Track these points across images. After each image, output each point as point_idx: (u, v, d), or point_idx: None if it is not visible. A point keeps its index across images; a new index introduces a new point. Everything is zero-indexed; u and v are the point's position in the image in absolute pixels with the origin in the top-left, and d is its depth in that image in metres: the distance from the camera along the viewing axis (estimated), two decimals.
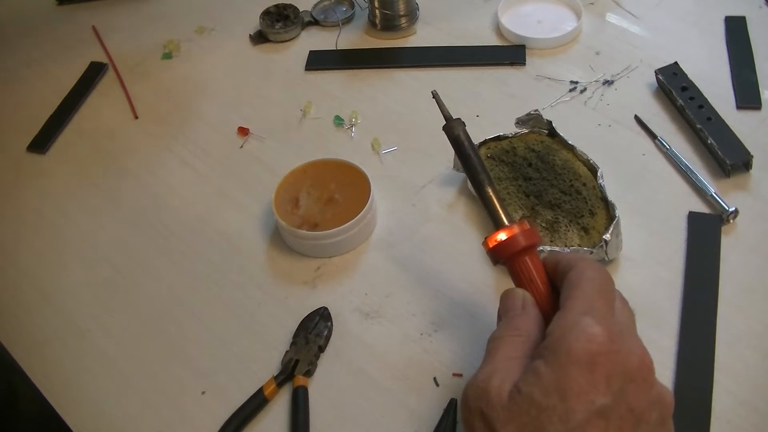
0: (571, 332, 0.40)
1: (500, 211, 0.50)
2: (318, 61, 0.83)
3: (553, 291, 0.47)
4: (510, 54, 0.80)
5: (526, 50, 0.80)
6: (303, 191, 0.65)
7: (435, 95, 0.53)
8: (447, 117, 0.52)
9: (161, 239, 0.67)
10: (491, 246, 0.49)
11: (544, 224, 0.60)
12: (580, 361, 0.39)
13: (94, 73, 0.85)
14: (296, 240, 0.64)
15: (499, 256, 0.49)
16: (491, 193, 0.50)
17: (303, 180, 0.66)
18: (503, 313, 0.46)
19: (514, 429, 0.39)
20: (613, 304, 0.44)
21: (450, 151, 0.66)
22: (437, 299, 0.60)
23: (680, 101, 0.70)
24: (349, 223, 0.62)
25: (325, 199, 0.65)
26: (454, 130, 0.51)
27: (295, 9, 0.87)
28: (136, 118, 0.79)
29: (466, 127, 0.52)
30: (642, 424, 0.40)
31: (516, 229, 0.48)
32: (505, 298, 0.47)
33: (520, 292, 0.47)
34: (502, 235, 0.48)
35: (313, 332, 0.58)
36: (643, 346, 0.43)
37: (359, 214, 0.62)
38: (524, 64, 0.79)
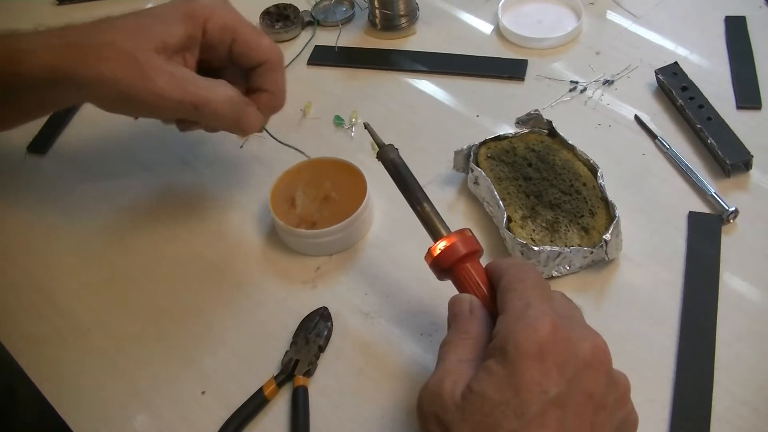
0: (516, 326, 0.41)
1: (437, 224, 0.52)
2: (321, 57, 0.83)
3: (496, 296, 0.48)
4: (511, 67, 0.78)
5: (526, 50, 0.80)
6: (299, 190, 0.65)
7: (367, 126, 0.57)
8: (380, 144, 0.55)
9: (161, 239, 0.67)
10: (434, 256, 0.50)
11: (544, 224, 0.60)
12: (529, 353, 0.39)
13: None
14: (294, 239, 0.64)
15: (442, 265, 0.50)
16: (428, 209, 0.52)
17: (298, 179, 0.66)
18: (452, 319, 0.47)
19: (469, 429, 0.39)
20: (551, 297, 0.45)
21: (450, 151, 0.67)
22: (437, 299, 0.60)
23: (680, 101, 0.70)
24: (347, 220, 0.62)
25: (322, 198, 0.65)
26: (388, 154, 0.54)
27: (295, 9, 0.87)
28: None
29: (399, 152, 0.55)
30: (601, 409, 0.40)
31: (455, 238, 0.50)
32: (453, 304, 0.48)
33: (467, 296, 0.48)
34: (442, 244, 0.50)
35: (313, 332, 0.58)
36: (595, 332, 0.43)
37: (357, 211, 0.62)
38: (523, 79, 0.77)
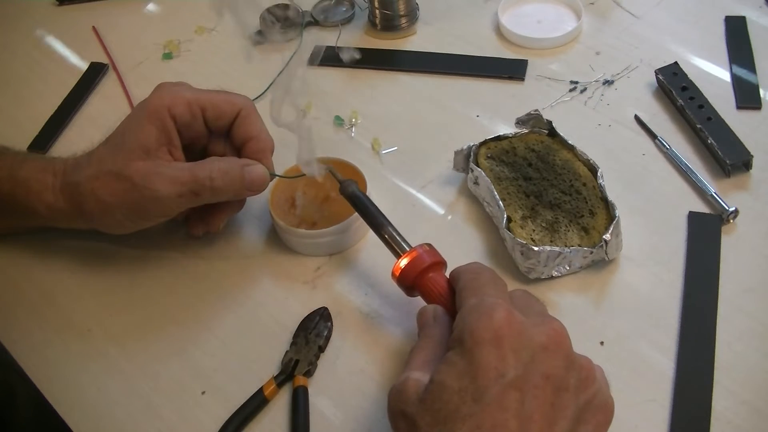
0: (471, 317, 0.42)
1: (400, 242, 0.55)
2: (321, 57, 0.83)
3: None
4: (511, 67, 0.78)
5: (526, 50, 0.80)
6: (298, 191, 0.66)
7: (329, 170, 0.60)
8: (341, 181, 0.59)
9: (161, 239, 0.67)
10: (398, 272, 0.54)
11: (544, 224, 0.60)
12: (485, 339, 0.41)
13: (94, 74, 0.85)
14: (295, 239, 0.64)
15: (406, 279, 0.53)
16: (391, 231, 0.56)
17: (297, 180, 0.66)
18: (420, 329, 0.49)
19: (430, 418, 0.40)
20: (505, 291, 0.47)
21: (450, 151, 0.67)
22: None
23: (680, 101, 0.70)
24: (347, 220, 0.62)
25: (322, 198, 0.65)
26: (348, 188, 0.58)
27: (296, 9, 0.87)
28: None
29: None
30: (562, 391, 0.41)
31: (415, 252, 0.54)
32: (420, 315, 0.50)
33: (431, 307, 0.50)
34: (404, 261, 0.53)
35: (313, 332, 0.58)
36: (553, 319, 0.44)
37: None
38: (523, 79, 0.77)
